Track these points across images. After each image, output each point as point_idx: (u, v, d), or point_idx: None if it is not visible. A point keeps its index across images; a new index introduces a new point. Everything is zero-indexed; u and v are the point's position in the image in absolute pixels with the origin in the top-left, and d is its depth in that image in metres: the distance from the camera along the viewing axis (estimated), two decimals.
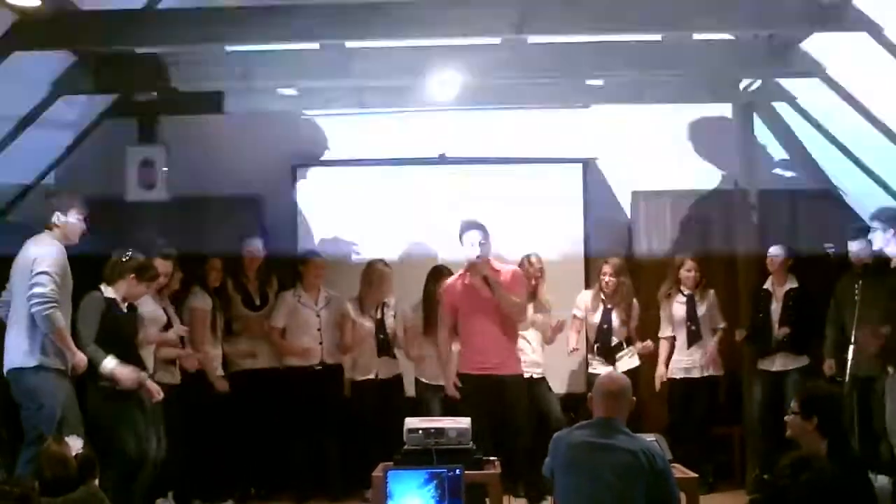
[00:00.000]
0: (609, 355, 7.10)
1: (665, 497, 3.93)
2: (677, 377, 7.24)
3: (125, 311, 5.70)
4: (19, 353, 5.16)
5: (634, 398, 4.22)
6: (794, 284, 7.01)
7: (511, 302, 6.11)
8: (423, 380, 7.11)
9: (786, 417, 4.05)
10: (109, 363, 5.44)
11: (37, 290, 5.06)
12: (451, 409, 6.89)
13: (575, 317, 7.23)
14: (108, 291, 5.61)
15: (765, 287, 7.11)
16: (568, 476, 3.97)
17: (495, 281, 6.06)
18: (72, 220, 5.37)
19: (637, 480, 3.86)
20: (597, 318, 7.16)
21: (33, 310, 5.08)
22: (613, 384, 4.17)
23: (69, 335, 5.21)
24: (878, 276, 6.24)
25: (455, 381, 6.20)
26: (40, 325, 5.10)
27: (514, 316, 6.19)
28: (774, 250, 7.05)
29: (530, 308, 7.05)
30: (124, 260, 5.66)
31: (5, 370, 5.24)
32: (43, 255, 5.16)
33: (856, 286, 6.32)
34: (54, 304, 5.10)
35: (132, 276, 5.64)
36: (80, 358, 5.25)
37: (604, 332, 7.13)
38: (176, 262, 6.46)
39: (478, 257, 6.06)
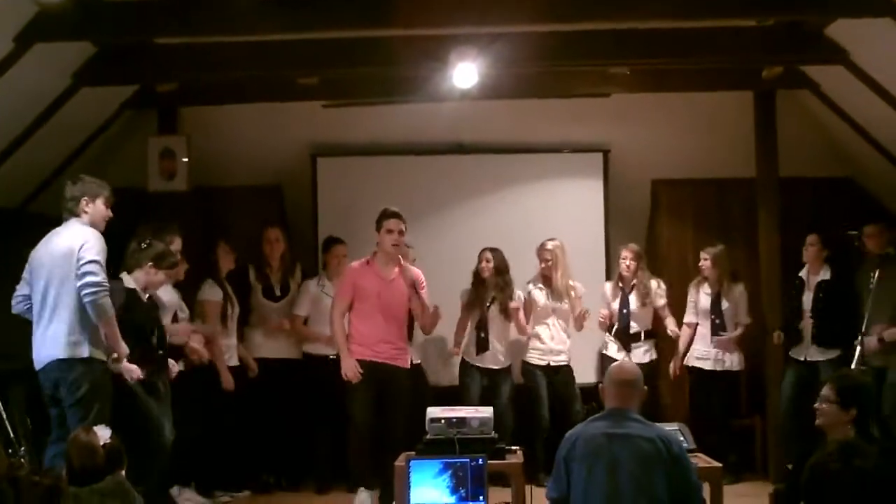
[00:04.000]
0: (626, 341, 7.12)
1: (684, 483, 3.90)
2: (693, 366, 7.22)
3: (145, 300, 5.70)
4: (65, 343, 5.02)
5: (646, 388, 4.19)
6: (827, 276, 6.88)
7: (426, 309, 6.25)
8: (468, 360, 7.15)
9: (817, 405, 4.00)
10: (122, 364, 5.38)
11: (90, 278, 4.94)
12: (488, 392, 7.02)
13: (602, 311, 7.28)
14: (128, 281, 5.61)
15: (800, 275, 7.01)
16: (587, 469, 3.92)
17: (419, 289, 6.18)
18: (100, 206, 5.24)
19: (656, 467, 3.84)
20: (616, 303, 7.20)
21: (87, 299, 4.95)
22: (625, 373, 4.14)
23: (115, 322, 5.11)
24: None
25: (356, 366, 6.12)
26: (92, 314, 4.98)
27: (427, 323, 6.33)
28: (810, 239, 6.94)
29: (549, 296, 7.07)
30: (143, 248, 5.64)
31: (45, 361, 5.08)
32: (87, 242, 5.03)
33: (872, 275, 6.27)
34: (106, 292, 5.02)
35: (150, 264, 5.63)
36: (125, 348, 5.16)
37: (623, 316, 7.17)
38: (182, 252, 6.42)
39: (394, 246, 6.12)
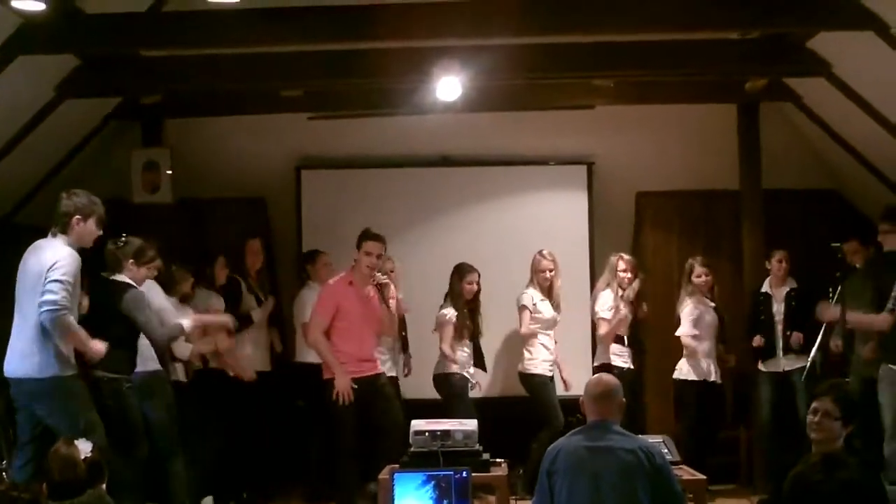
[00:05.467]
0: (638, 348, 7.14)
1: (668, 493, 3.90)
2: (692, 379, 7.18)
3: None
4: (31, 362, 4.92)
5: (624, 400, 4.18)
6: (794, 285, 6.98)
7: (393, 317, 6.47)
8: (461, 373, 7.03)
9: (815, 419, 3.88)
10: (187, 322, 5.63)
11: (48, 297, 4.81)
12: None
13: (603, 319, 7.14)
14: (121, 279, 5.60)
15: (763, 290, 7.07)
16: (570, 482, 3.91)
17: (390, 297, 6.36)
18: (90, 226, 5.11)
19: (639, 479, 3.85)
20: (628, 314, 7.13)
21: (42, 316, 4.83)
22: (604, 386, 4.12)
23: (82, 331, 5.00)
24: (867, 277, 6.29)
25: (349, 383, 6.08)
26: (51, 332, 4.87)
27: (388, 330, 6.53)
28: (780, 255, 7.00)
29: (552, 307, 7.05)
30: (119, 246, 5.62)
31: (13, 374, 5.00)
32: (58, 261, 4.89)
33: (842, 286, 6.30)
34: (65, 310, 4.87)
35: (131, 261, 5.62)
36: (95, 345, 5.04)
37: (635, 326, 7.17)
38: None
39: (369, 268, 6.16)
